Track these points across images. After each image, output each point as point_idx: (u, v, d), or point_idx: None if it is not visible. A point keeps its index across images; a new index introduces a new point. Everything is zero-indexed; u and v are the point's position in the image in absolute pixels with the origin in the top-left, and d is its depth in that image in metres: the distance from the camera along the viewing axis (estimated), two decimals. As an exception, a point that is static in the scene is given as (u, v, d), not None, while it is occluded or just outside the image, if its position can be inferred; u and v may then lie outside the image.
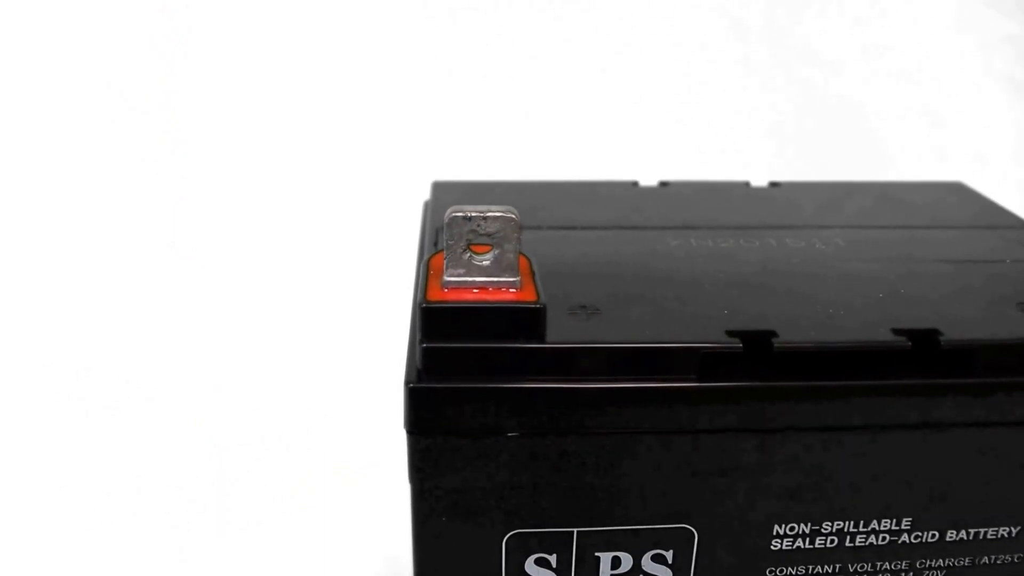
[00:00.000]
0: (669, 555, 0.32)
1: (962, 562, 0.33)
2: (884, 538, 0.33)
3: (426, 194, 0.49)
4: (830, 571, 0.33)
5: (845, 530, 0.33)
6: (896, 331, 0.31)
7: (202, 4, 0.68)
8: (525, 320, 0.30)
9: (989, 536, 0.33)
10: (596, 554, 0.32)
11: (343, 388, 0.46)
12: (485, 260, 0.31)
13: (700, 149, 0.76)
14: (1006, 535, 0.33)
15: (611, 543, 0.32)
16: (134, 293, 0.55)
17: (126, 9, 0.67)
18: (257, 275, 0.58)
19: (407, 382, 0.30)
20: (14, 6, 0.66)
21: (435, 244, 0.40)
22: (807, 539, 0.33)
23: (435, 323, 0.30)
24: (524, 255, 0.33)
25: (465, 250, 0.31)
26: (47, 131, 0.65)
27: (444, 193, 0.46)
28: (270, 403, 0.45)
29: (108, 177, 0.65)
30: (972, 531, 0.33)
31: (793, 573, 0.33)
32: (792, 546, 0.33)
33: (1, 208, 0.61)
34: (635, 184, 0.49)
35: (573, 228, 0.42)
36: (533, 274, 0.32)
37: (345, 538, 0.37)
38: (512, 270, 0.31)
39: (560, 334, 0.31)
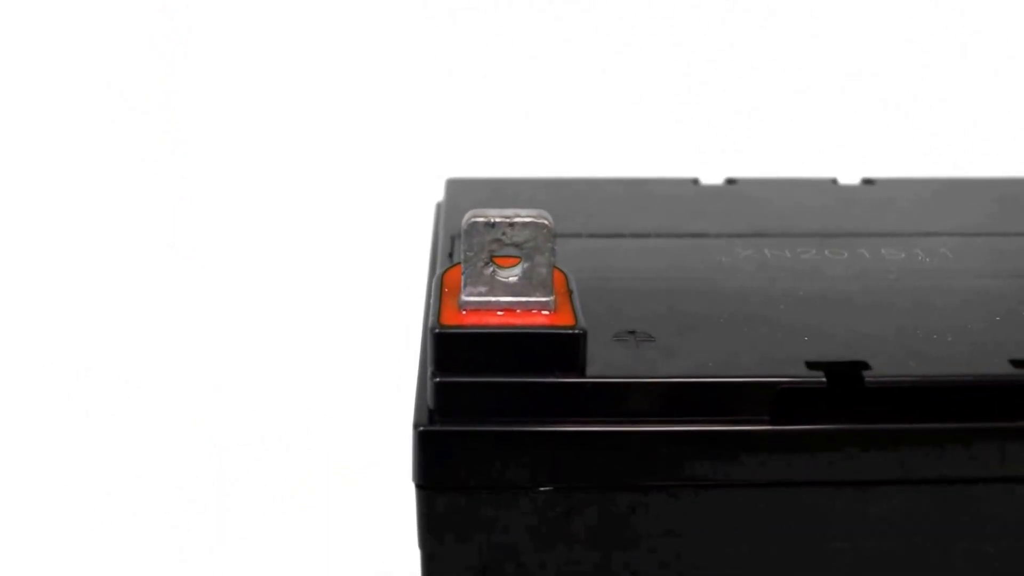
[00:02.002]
0: (736, 635, 0.33)
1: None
2: (1003, 615, 0.33)
3: (439, 194, 0.49)
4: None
5: (954, 605, 0.33)
6: (1015, 362, 0.32)
7: (202, 4, 0.74)
8: (561, 349, 0.31)
9: None
10: (647, 633, 0.32)
11: (343, 390, 0.49)
12: (512, 275, 0.32)
13: (773, 139, 0.76)
14: None
15: (665, 621, 0.32)
16: (134, 293, 0.60)
17: (126, 9, 0.74)
18: (256, 278, 0.62)
19: (416, 425, 0.31)
20: (14, 6, 0.74)
21: (450, 255, 0.40)
22: (906, 616, 0.33)
23: (451, 352, 0.31)
24: (560, 269, 0.33)
25: (487, 263, 0.32)
26: (47, 131, 0.72)
27: (460, 193, 0.47)
28: (270, 403, 0.48)
29: (108, 177, 0.71)
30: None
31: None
32: (888, 625, 0.33)
33: (0, 208, 0.68)
34: (695, 182, 0.49)
35: (620, 236, 0.42)
36: (571, 293, 0.33)
37: (345, 539, 0.41)
38: (545, 288, 0.31)
39: (604, 366, 0.31)
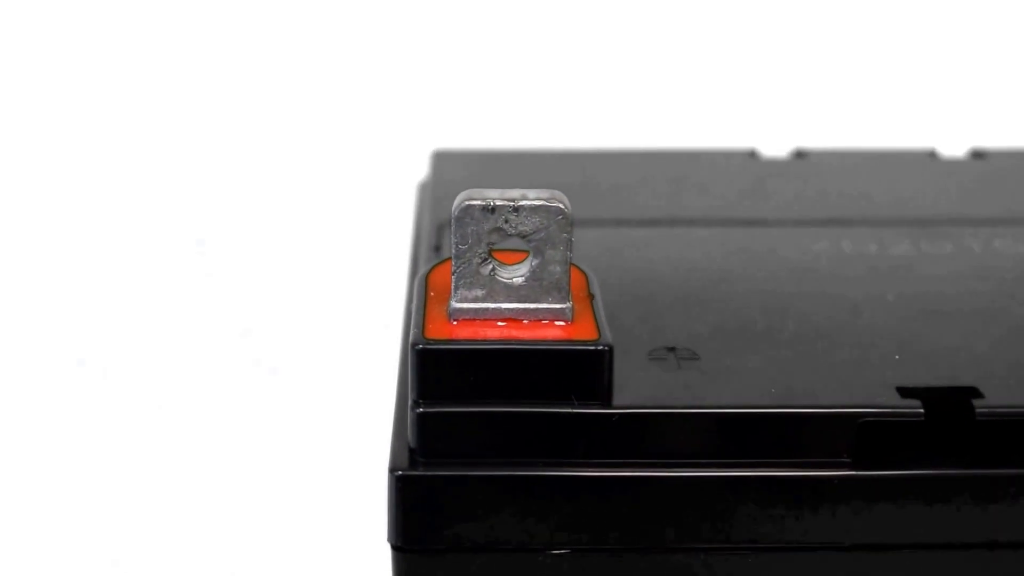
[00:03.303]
0: None
1: None
2: None
3: (422, 170, 0.49)
4: None
5: None
6: None
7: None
8: (581, 370, 0.30)
9: None
10: None
11: (300, 423, 0.52)
12: (517, 275, 0.32)
13: (853, 100, 0.76)
14: None
15: None
16: (130, 292, 0.64)
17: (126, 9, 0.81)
18: (201, 284, 0.65)
19: (393, 468, 0.31)
20: (14, 5, 0.82)
21: (437, 249, 0.40)
22: None
23: (438, 375, 0.31)
24: (578, 267, 0.33)
25: (485, 259, 0.31)
26: (46, 130, 0.79)
27: (450, 169, 0.47)
28: (211, 437, 0.52)
29: (105, 175, 0.76)
30: None
31: None
32: None
33: (2, 208, 0.74)
34: (752, 154, 0.50)
35: (655, 224, 0.43)
36: (592, 298, 0.33)
37: (343, 547, 0.43)
38: (559, 291, 0.31)
39: (635, 393, 0.31)
